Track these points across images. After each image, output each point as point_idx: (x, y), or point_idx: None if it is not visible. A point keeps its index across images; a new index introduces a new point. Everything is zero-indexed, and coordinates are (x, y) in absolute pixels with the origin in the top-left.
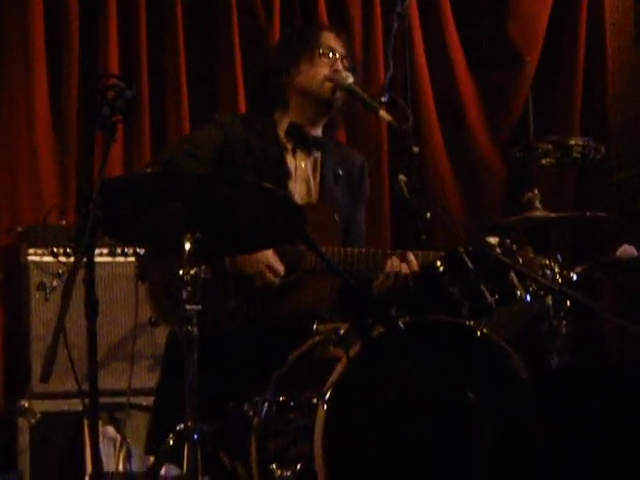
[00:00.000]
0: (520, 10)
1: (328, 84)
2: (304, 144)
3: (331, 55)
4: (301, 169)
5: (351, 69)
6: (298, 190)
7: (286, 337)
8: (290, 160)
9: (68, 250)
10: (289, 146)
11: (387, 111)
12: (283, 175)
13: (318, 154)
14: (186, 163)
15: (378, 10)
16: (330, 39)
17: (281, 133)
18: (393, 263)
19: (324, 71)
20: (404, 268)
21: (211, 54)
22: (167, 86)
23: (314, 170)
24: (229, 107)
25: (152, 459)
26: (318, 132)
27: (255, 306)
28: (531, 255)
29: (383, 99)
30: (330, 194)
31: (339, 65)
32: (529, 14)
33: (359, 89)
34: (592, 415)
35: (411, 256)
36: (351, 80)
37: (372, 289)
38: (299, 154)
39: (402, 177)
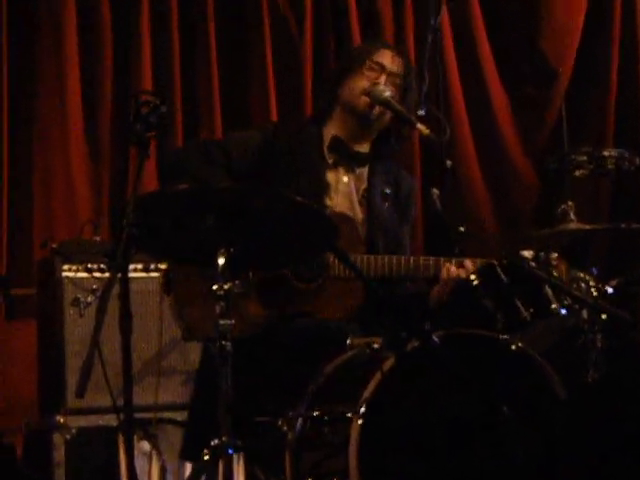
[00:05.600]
0: (552, 23)
1: (365, 98)
2: (346, 159)
3: (377, 70)
4: (343, 183)
5: (401, 88)
6: (339, 204)
7: (317, 349)
8: (330, 174)
9: (102, 266)
10: (330, 160)
11: (424, 124)
12: (320, 188)
13: (363, 170)
14: (216, 162)
15: (410, 22)
16: (385, 56)
17: (325, 146)
18: (450, 269)
19: (365, 84)
20: (462, 273)
21: (243, 68)
22: (200, 101)
23: (357, 186)
24: (261, 120)
25: (188, 468)
26: (364, 147)
27: (277, 311)
28: (566, 268)
29: (420, 112)
30: (378, 212)
31: (382, 79)
32: (562, 27)
33: (396, 103)
34: (629, 430)
35: (468, 262)
36: (388, 93)
37: (428, 300)
38: (341, 169)
39: (435, 190)
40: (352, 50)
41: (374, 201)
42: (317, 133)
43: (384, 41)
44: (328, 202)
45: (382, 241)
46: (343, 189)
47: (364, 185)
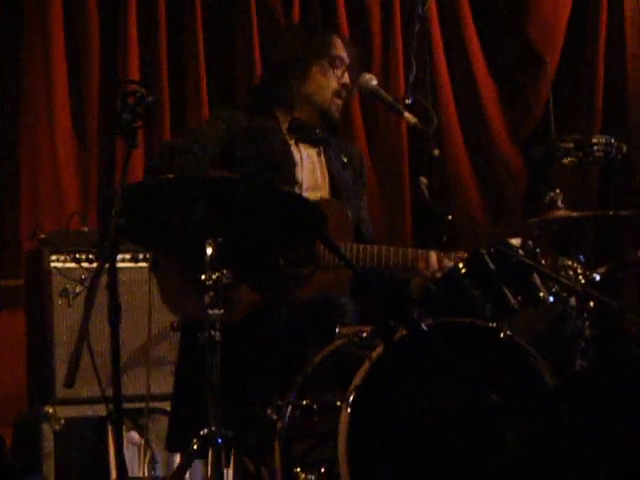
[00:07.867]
0: (539, 11)
1: (337, 101)
2: (306, 137)
3: (339, 65)
4: (306, 160)
5: (353, 79)
6: (307, 179)
7: (307, 337)
8: (295, 150)
9: (90, 256)
10: (291, 141)
11: (411, 113)
12: (289, 164)
13: (320, 146)
14: (191, 156)
15: (397, 11)
16: (341, 48)
17: (283, 129)
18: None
19: (334, 85)
20: (447, 263)
21: (231, 58)
22: (187, 90)
23: (319, 159)
24: None
25: (177, 459)
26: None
27: (267, 296)
28: (554, 256)
29: (408, 101)
30: (340, 180)
31: (346, 79)
32: (548, 15)
33: (384, 91)
34: (616, 418)
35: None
36: (375, 82)
37: (409, 288)
38: (302, 145)
39: (423, 179)
40: (302, 38)
41: (335, 171)
42: (272, 117)
43: (330, 28)
44: (298, 177)
45: (350, 208)
46: (307, 165)
47: (323, 158)
